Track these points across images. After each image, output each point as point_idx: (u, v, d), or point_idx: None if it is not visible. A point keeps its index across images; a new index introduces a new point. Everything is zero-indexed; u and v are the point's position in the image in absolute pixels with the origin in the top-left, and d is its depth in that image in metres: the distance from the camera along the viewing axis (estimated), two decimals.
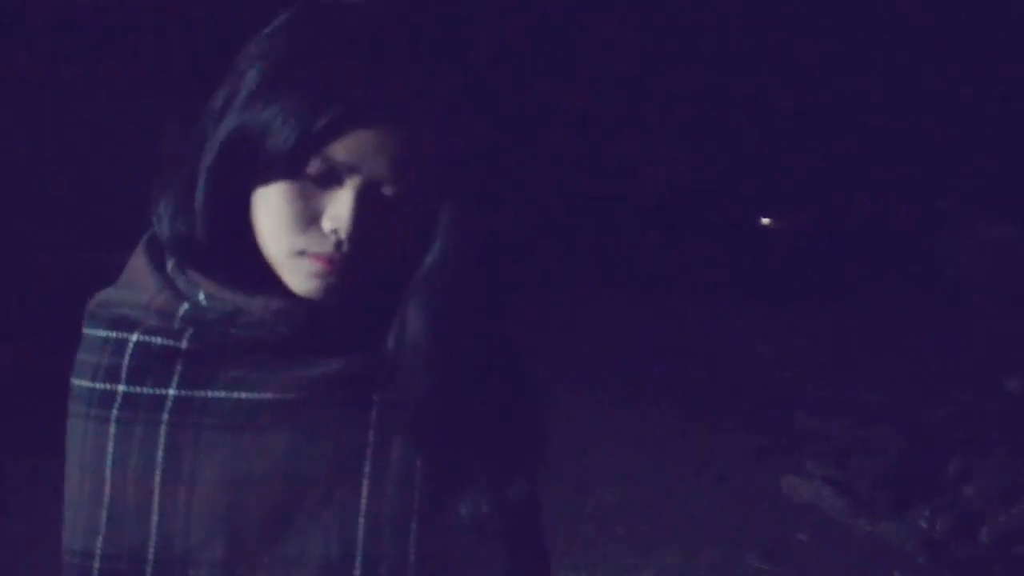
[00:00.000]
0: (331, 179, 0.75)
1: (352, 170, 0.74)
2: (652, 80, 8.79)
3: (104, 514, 0.81)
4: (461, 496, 0.81)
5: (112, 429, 0.81)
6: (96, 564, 0.81)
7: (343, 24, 0.76)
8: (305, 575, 0.80)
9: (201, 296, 0.81)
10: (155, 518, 0.80)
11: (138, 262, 0.85)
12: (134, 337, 0.81)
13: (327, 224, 0.76)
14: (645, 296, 7.31)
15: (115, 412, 0.81)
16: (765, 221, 9.33)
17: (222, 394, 0.80)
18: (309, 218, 0.76)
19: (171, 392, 0.80)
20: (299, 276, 0.78)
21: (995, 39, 7.81)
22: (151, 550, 0.80)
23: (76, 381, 0.83)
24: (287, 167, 0.75)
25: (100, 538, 0.81)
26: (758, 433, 4.71)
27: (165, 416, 0.80)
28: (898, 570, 3.44)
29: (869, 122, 8.38)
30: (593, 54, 8.66)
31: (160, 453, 0.80)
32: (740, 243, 8.24)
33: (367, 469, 0.81)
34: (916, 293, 6.68)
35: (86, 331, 0.84)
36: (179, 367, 0.80)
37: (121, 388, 0.81)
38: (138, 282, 0.84)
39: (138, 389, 0.80)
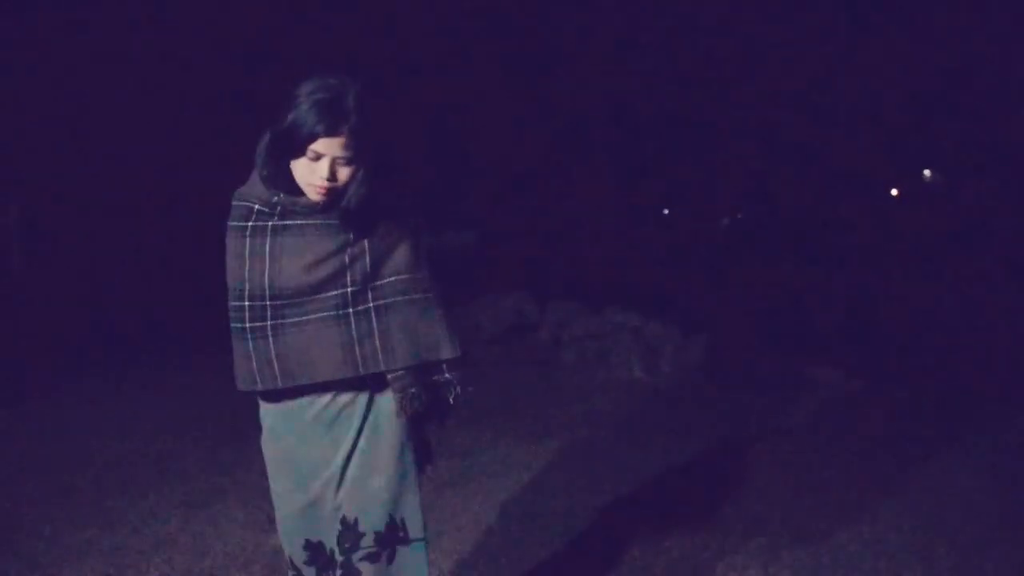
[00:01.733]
0: (318, 158, 1.79)
1: (324, 155, 1.79)
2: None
3: (247, 275, 1.87)
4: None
5: (248, 236, 1.87)
6: (247, 294, 1.86)
7: (326, 91, 1.77)
8: (325, 306, 1.86)
9: (281, 196, 1.86)
10: (267, 275, 1.86)
11: (254, 178, 1.90)
12: (255, 206, 1.88)
13: (318, 174, 1.81)
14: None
15: (248, 231, 1.87)
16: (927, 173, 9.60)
17: (292, 222, 1.87)
18: (312, 172, 1.81)
19: (271, 223, 1.87)
20: (311, 193, 1.84)
21: None
22: (267, 290, 1.86)
23: (232, 223, 1.89)
24: (301, 150, 1.78)
25: (247, 283, 1.87)
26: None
27: (269, 230, 1.87)
28: None
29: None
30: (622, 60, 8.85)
31: (268, 246, 1.86)
32: None
33: (356, 249, 1.89)
34: None
35: (234, 203, 1.90)
36: (275, 217, 1.87)
37: (250, 223, 1.88)
38: (255, 187, 1.89)
39: (259, 223, 1.87)
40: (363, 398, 1.94)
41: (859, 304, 10.48)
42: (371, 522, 1.94)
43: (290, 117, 1.76)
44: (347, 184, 1.82)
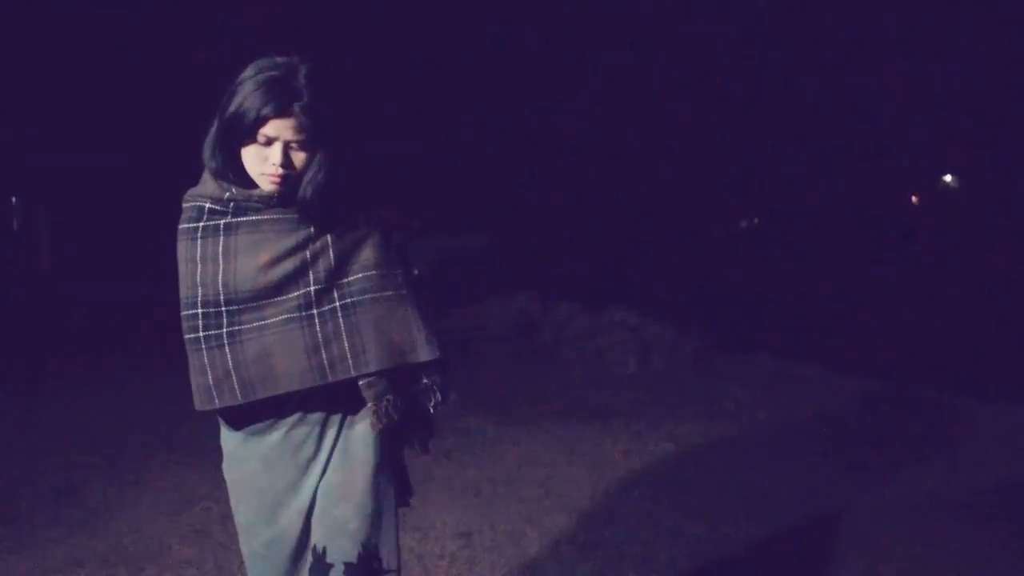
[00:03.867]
0: (269, 143, 1.67)
1: (276, 138, 1.66)
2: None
3: (199, 280, 1.71)
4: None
5: (199, 238, 1.72)
6: (199, 301, 1.70)
7: (273, 69, 1.66)
8: (286, 308, 1.70)
9: (234, 190, 1.72)
10: (220, 278, 1.70)
11: (205, 176, 1.75)
12: (207, 205, 1.73)
13: (270, 161, 1.67)
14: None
15: (199, 232, 1.72)
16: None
17: (247, 218, 1.72)
18: (263, 159, 1.68)
19: (223, 221, 1.72)
20: (264, 184, 1.71)
21: None
22: (221, 295, 1.70)
23: (181, 226, 1.74)
24: (251, 135, 1.66)
25: (199, 290, 1.71)
26: None
27: (222, 229, 1.72)
28: None
29: None
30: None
31: (220, 247, 1.71)
32: None
33: (318, 244, 1.74)
34: None
35: (185, 204, 1.76)
36: (228, 215, 1.72)
37: (201, 224, 1.73)
38: (206, 185, 1.75)
39: (210, 223, 1.73)
40: (335, 418, 1.79)
41: (868, 307, 10.78)
42: (340, 553, 1.77)
43: (236, 100, 1.65)
44: (303, 171, 1.70)
